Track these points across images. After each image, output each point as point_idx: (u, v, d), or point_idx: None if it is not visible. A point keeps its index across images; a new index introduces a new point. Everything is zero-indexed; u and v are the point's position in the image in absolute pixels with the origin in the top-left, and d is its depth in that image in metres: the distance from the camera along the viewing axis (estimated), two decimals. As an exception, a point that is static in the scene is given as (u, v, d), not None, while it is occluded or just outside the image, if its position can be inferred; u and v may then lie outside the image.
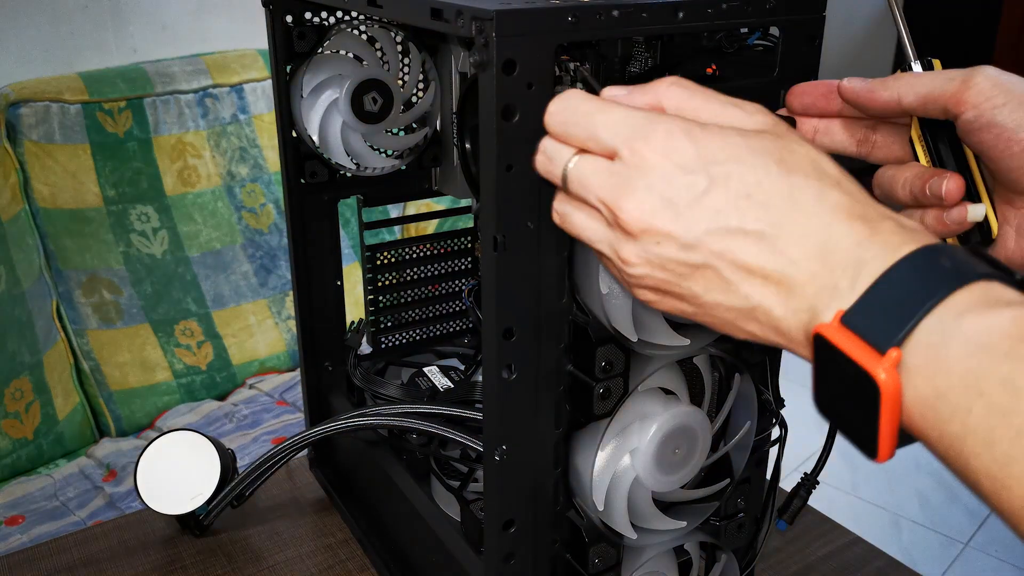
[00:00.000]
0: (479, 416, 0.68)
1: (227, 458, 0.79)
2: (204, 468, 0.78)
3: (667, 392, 0.53)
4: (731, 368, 0.55)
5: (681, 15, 0.46)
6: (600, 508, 0.51)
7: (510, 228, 0.45)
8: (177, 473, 0.78)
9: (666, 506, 0.55)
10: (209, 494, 0.78)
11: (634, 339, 0.48)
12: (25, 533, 1.20)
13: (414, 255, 0.85)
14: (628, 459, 0.51)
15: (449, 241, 0.86)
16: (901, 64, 0.48)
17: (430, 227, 1.66)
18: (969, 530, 1.90)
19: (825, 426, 0.59)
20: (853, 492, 1.95)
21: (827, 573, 0.78)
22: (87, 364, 1.47)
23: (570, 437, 0.52)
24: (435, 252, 0.86)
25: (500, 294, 0.46)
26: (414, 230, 1.71)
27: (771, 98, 0.52)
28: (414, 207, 1.61)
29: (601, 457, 0.50)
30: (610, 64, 0.54)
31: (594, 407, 0.49)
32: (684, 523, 0.55)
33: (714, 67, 0.54)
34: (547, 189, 0.45)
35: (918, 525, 1.88)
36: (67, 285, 1.46)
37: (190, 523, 0.80)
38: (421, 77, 0.78)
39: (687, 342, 0.49)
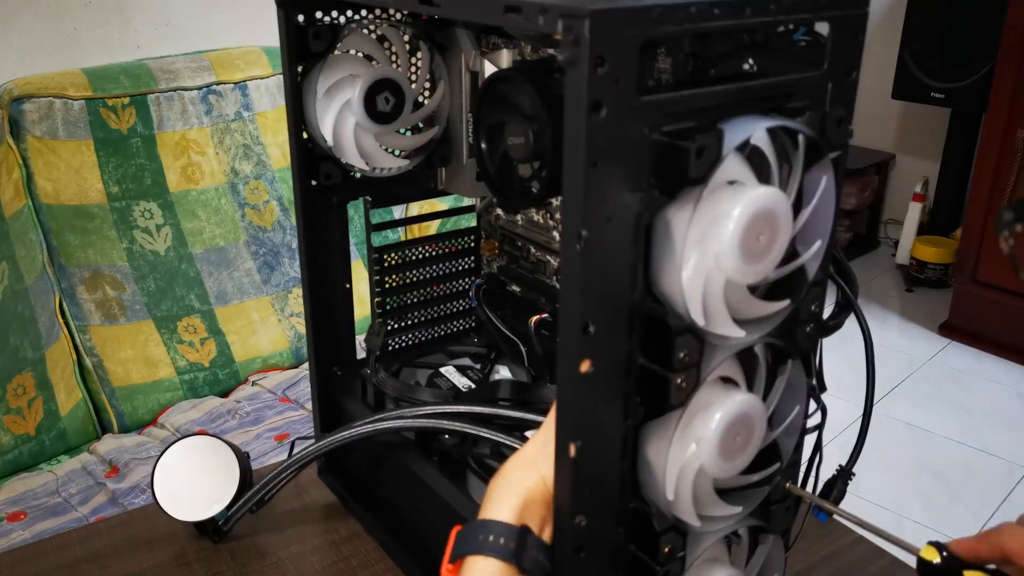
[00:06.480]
0: (518, 415, 0.69)
1: (245, 461, 0.79)
2: (223, 473, 0.77)
3: (725, 380, 0.53)
4: (781, 354, 0.55)
5: (748, 11, 0.47)
6: (671, 498, 0.51)
7: (593, 223, 0.45)
8: (195, 479, 0.76)
9: (720, 493, 0.56)
10: (229, 499, 0.76)
11: (727, 331, 0.48)
12: (27, 529, 1.20)
13: (421, 256, 0.84)
14: (694, 448, 0.51)
15: (454, 240, 0.86)
16: None
17: (432, 227, 1.66)
18: (971, 530, 1.90)
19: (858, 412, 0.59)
20: (855, 492, 1.95)
21: (830, 573, 0.78)
22: (90, 360, 1.47)
23: (638, 429, 0.52)
24: (441, 252, 0.86)
25: (583, 290, 0.46)
26: (417, 231, 1.71)
27: (819, 92, 0.52)
28: (417, 207, 1.61)
29: (673, 448, 0.50)
30: (676, 61, 0.54)
31: (671, 398, 0.49)
32: (741, 508, 0.56)
33: (751, 62, 0.54)
34: (622, 178, 0.45)
35: (920, 525, 1.88)
36: (70, 281, 1.46)
37: (208, 529, 0.79)
38: (430, 76, 0.78)
39: (743, 333, 0.49)
